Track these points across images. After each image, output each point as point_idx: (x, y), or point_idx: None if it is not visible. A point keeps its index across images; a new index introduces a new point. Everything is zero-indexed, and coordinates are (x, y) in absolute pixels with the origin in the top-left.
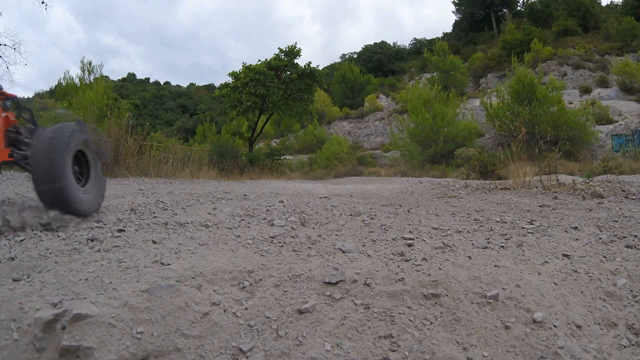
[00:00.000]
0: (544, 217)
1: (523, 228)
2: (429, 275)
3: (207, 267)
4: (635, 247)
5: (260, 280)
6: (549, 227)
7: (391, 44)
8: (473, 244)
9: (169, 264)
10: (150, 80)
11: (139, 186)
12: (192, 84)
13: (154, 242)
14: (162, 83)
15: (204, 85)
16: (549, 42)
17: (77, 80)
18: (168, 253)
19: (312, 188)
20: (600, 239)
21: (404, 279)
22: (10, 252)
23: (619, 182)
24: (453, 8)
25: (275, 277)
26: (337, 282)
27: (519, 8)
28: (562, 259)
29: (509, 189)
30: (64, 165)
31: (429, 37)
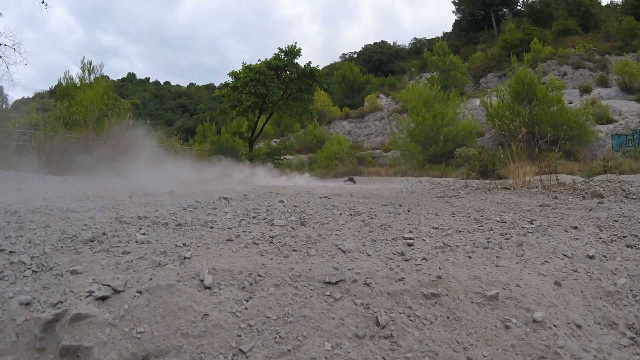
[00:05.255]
0: (544, 217)
1: (523, 228)
2: (429, 274)
3: (207, 267)
4: (635, 246)
5: (261, 280)
6: (549, 226)
7: (391, 44)
8: (473, 244)
9: (166, 264)
10: (150, 80)
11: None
12: (192, 84)
13: (149, 243)
14: (162, 83)
15: (204, 85)
16: (549, 41)
17: (77, 80)
18: (169, 253)
19: (312, 187)
20: (600, 238)
21: (404, 278)
22: None
23: (619, 182)
24: (453, 8)
25: (276, 277)
26: (337, 282)
27: (519, 8)
28: (562, 259)
29: (509, 189)
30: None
31: (429, 37)
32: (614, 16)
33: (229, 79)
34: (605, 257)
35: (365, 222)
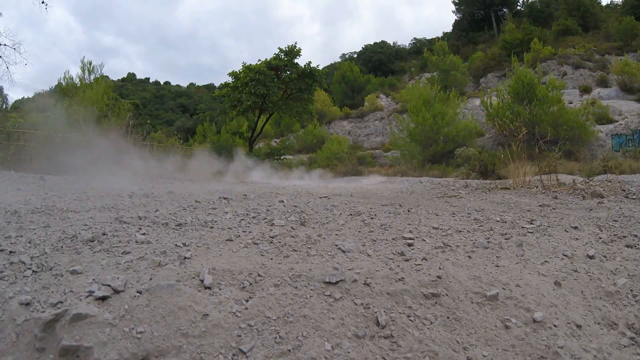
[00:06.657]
0: (544, 217)
1: (523, 228)
2: (429, 274)
3: (207, 267)
4: (635, 246)
5: (261, 280)
6: (549, 226)
7: (391, 44)
8: (473, 244)
9: (166, 264)
10: (150, 80)
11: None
12: (192, 84)
13: (149, 243)
14: (162, 83)
15: (204, 85)
16: (549, 41)
17: (77, 80)
18: (169, 252)
19: (312, 188)
20: (600, 238)
21: (404, 278)
22: None
23: (619, 182)
24: (453, 8)
25: (276, 277)
26: (337, 282)
27: (519, 8)
28: (562, 259)
29: (509, 189)
30: None
31: (429, 37)
32: (614, 16)
33: (229, 79)
34: (605, 257)
35: (365, 222)
